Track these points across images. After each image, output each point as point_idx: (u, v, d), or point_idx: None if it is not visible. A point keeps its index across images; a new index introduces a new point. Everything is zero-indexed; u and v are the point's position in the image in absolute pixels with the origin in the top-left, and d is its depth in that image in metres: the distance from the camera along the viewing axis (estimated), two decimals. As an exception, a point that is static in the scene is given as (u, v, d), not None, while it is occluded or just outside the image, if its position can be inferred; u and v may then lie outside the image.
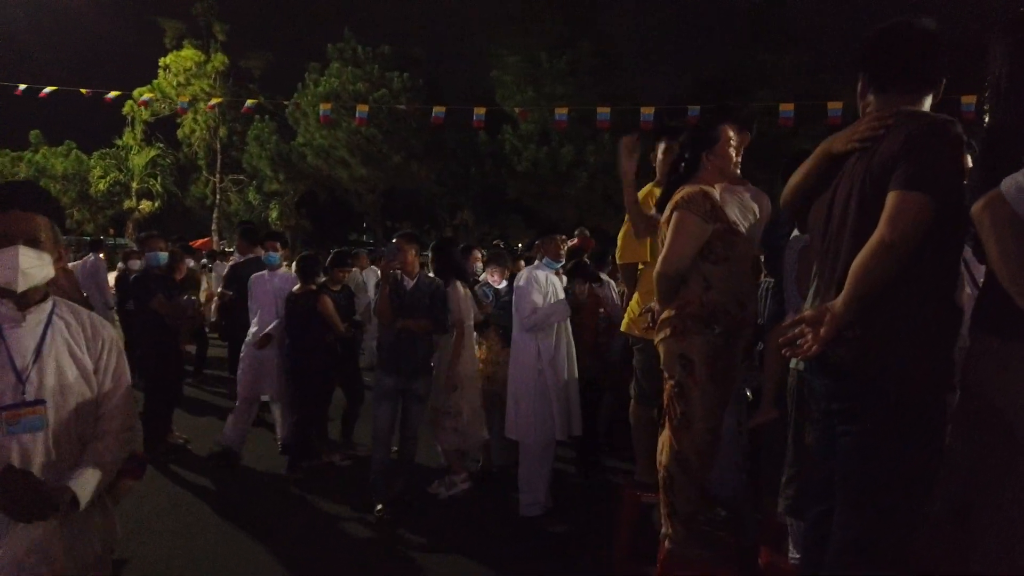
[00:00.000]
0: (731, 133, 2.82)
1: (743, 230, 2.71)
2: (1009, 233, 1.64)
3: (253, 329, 5.76)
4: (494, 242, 7.09)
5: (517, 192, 24.43)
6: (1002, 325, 1.77)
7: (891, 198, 1.83)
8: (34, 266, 1.88)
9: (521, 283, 4.75)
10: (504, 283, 5.54)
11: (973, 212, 1.73)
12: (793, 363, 2.85)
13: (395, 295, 4.70)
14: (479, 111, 16.23)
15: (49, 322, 1.97)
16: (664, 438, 2.83)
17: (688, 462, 2.74)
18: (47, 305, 1.99)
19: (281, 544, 4.18)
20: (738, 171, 2.84)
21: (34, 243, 1.90)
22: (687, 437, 2.73)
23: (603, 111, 16.39)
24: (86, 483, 1.90)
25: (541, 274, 4.74)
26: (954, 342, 1.87)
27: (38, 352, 1.91)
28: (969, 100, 12.68)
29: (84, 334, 2.02)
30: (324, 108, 19.98)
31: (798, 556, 2.72)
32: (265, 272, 5.94)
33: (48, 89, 15.97)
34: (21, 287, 1.87)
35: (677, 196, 2.72)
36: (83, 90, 16.57)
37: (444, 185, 27.36)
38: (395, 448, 4.93)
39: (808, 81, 21.58)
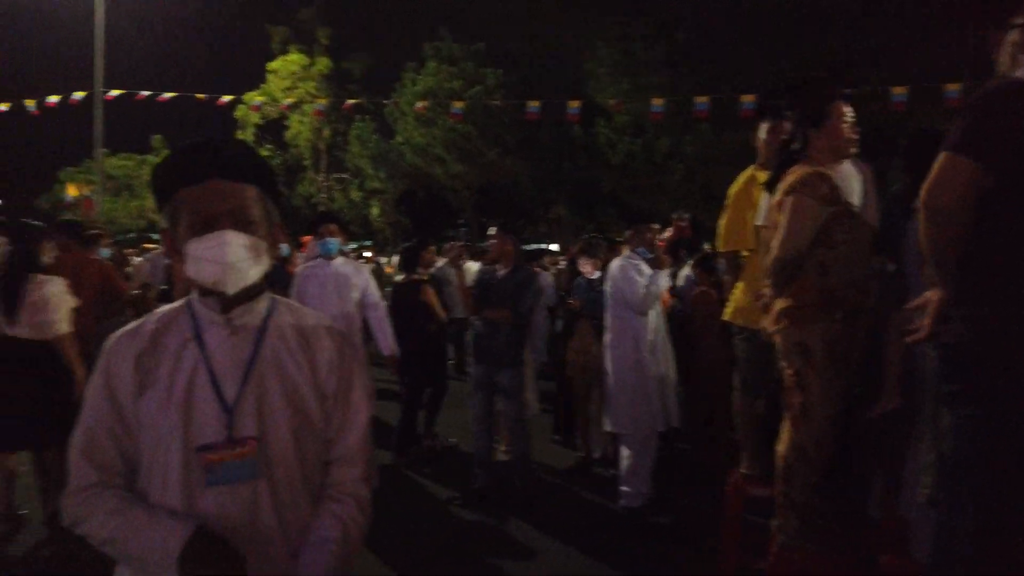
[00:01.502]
0: (844, 109, 2.70)
1: (858, 211, 2.59)
2: None
3: None
4: (592, 234, 7.01)
5: (611, 185, 24.18)
6: None
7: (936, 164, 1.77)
8: (246, 258, 1.34)
9: (616, 272, 4.70)
10: (597, 273, 5.49)
11: None
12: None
13: (485, 285, 4.79)
14: (573, 104, 16.19)
15: (264, 329, 1.43)
16: (783, 428, 2.76)
17: (806, 452, 2.65)
18: (261, 306, 1.45)
19: (388, 529, 4.31)
20: (854, 149, 2.72)
21: (245, 225, 1.36)
22: (806, 427, 2.64)
23: (701, 100, 16.00)
24: (328, 565, 1.36)
25: (635, 263, 4.67)
26: None
27: (247, 370, 1.38)
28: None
29: (306, 346, 1.46)
30: (420, 104, 20.50)
31: (921, 553, 2.58)
32: (316, 262, 4.88)
33: (168, 95, 17.14)
34: (232, 288, 1.35)
35: (791, 178, 2.62)
36: (199, 95, 17.68)
37: (538, 180, 27.42)
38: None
39: (923, 60, 20.23)
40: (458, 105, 19.25)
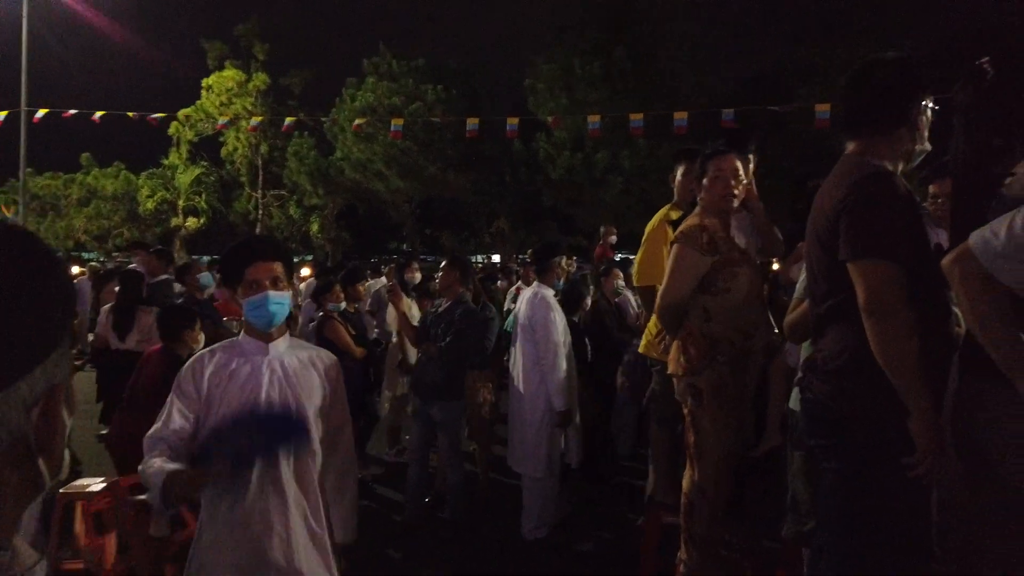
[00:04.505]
0: (722, 166, 2.80)
1: (749, 259, 2.72)
2: (979, 288, 1.64)
3: None
4: (529, 250, 7.15)
5: (552, 199, 24.46)
6: (988, 369, 1.74)
7: (851, 270, 1.85)
8: None
9: (531, 306, 4.55)
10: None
11: (943, 265, 1.73)
12: (792, 401, 2.85)
13: (426, 317, 4.87)
14: (512, 121, 16.30)
15: None
16: (686, 466, 2.86)
17: (704, 489, 2.77)
18: None
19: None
20: (736, 202, 2.82)
21: None
22: (701, 466, 2.76)
23: (636, 118, 16.33)
24: None
25: (549, 294, 4.62)
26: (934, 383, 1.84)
27: None
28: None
29: None
30: (358, 122, 20.40)
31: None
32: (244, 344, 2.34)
33: (98, 113, 16.58)
34: None
35: (680, 228, 2.75)
36: (130, 113, 17.18)
37: (480, 194, 27.54)
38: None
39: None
40: (397, 122, 19.17)
